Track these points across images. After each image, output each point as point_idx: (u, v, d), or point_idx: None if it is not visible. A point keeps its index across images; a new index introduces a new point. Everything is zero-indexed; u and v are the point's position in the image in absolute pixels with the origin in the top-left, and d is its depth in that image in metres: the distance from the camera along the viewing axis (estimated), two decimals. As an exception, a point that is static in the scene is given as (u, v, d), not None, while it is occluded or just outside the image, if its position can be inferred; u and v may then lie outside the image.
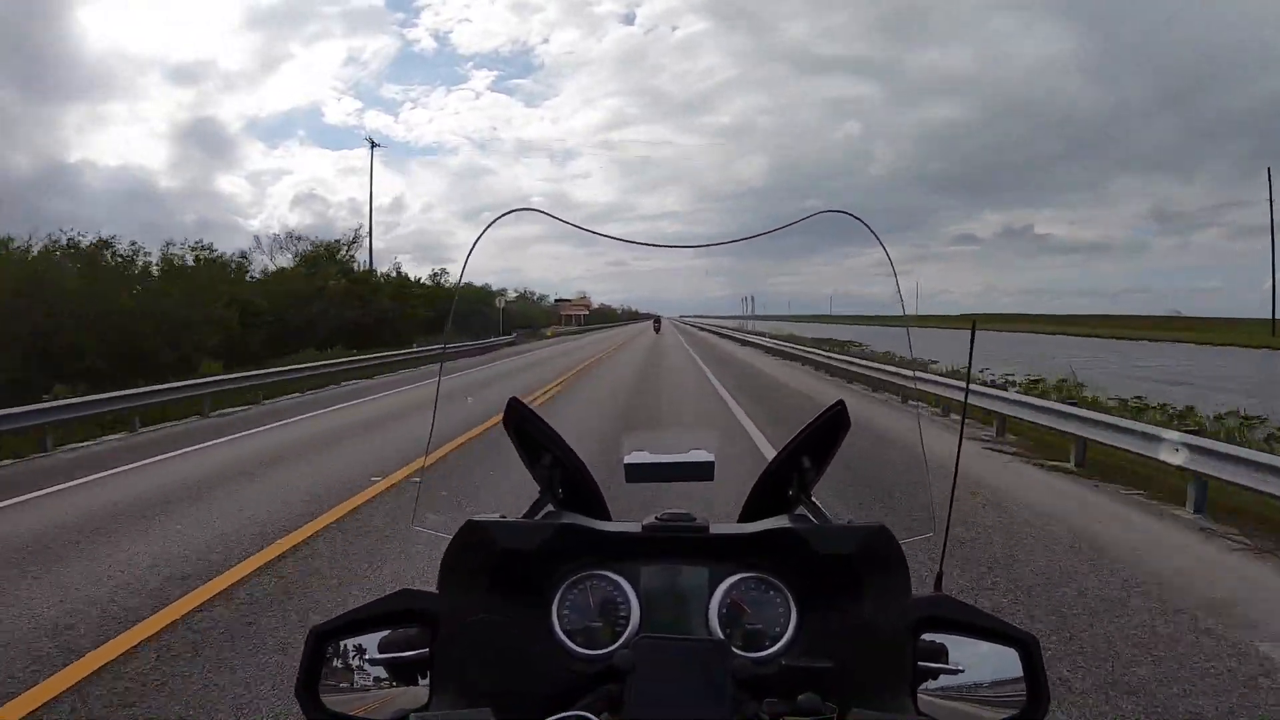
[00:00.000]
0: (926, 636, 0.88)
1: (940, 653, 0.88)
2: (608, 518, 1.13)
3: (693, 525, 0.95)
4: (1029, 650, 0.85)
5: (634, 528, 0.97)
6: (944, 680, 0.88)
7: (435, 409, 1.32)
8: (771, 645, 0.89)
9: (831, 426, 1.08)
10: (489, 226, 1.08)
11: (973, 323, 1.09)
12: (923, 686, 0.88)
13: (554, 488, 1.09)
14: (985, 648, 0.87)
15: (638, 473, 1.13)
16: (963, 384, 8.06)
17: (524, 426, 1.10)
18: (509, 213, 1.10)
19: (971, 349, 1.04)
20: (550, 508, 1.08)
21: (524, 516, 1.04)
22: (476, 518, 0.94)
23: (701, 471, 1.12)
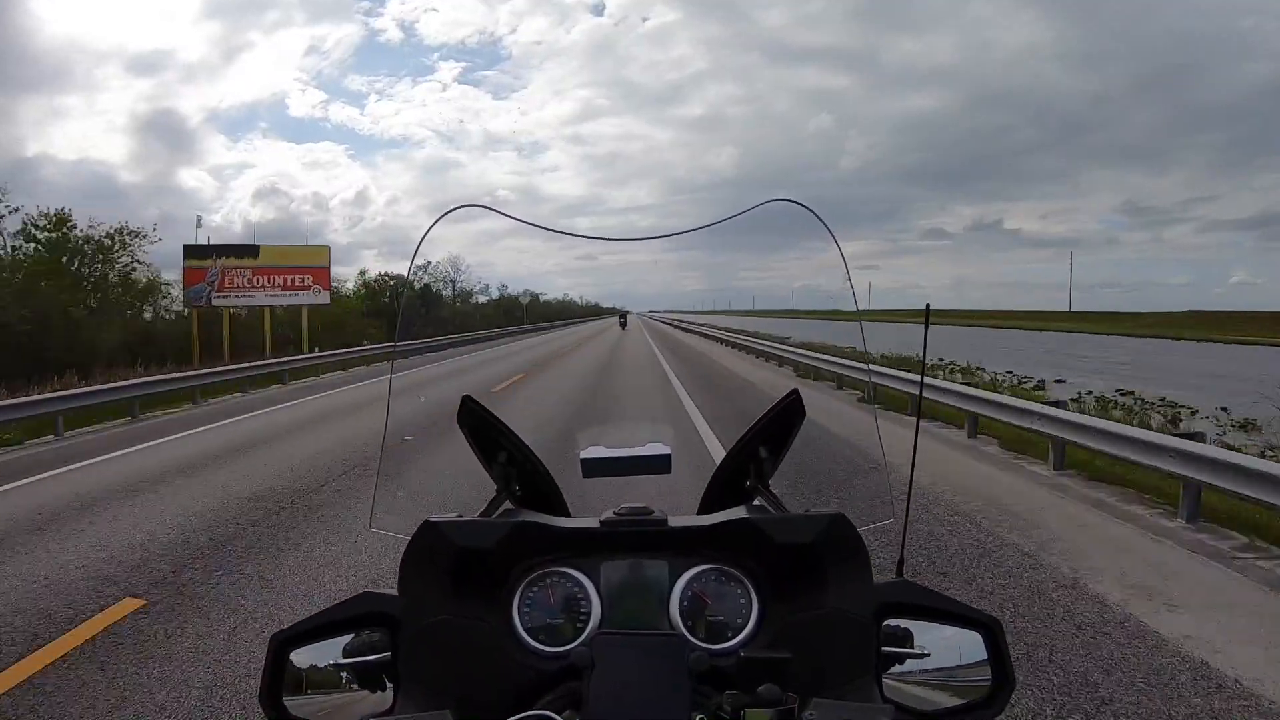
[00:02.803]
0: (891, 622, 0.89)
1: (906, 638, 0.89)
2: (567, 514, 1.13)
3: (651, 519, 0.94)
4: (993, 633, 0.86)
5: (592, 523, 0.96)
6: (910, 665, 0.88)
7: (389, 407, 1.29)
8: (734, 636, 0.88)
9: (786, 416, 1.09)
10: (432, 226, 1.06)
11: (926, 308, 1.09)
12: (889, 671, 0.88)
13: (510, 485, 1.09)
14: (950, 631, 0.88)
15: (594, 468, 1.11)
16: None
17: (478, 425, 1.09)
18: (455, 209, 1.06)
19: (925, 336, 1.04)
20: (508, 505, 1.07)
21: (481, 515, 1.02)
22: (433, 518, 0.93)
23: (658, 464, 1.11)
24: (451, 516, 0.95)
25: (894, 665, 0.88)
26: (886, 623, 0.89)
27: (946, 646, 0.88)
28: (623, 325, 48.55)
